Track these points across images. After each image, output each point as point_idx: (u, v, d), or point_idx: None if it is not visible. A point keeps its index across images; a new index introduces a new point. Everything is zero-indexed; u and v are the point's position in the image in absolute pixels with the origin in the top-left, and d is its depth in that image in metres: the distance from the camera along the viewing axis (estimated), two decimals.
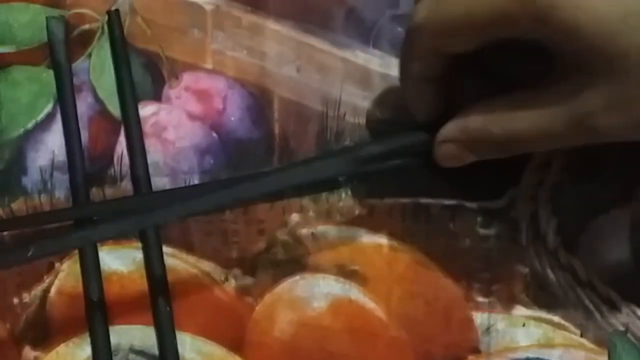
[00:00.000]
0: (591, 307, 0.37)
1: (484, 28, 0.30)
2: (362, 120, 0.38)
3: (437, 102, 0.34)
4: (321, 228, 0.38)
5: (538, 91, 0.31)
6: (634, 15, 0.28)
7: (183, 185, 0.38)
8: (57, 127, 0.38)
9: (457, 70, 0.33)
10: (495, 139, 0.32)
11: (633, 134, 0.31)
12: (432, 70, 0.33)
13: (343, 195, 0.38)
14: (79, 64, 0.39)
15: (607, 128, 0.30)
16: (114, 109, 0.38)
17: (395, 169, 0.37)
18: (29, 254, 0.34)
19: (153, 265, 0.37)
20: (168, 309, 0.36)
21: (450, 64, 0.32)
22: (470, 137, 0.33)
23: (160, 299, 0.36)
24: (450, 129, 0.34)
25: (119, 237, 0.37)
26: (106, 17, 0.39)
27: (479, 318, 0.37)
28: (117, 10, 0.39)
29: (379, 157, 0.36)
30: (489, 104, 0.33)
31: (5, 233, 0.37)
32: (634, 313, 0.36)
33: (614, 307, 0.37)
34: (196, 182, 0.38)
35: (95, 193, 0.38)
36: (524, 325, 0.37)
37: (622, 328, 0.37)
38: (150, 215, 0.36)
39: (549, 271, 0.37)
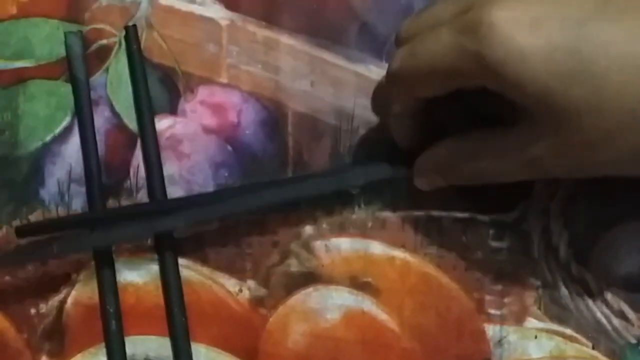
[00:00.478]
0: (603, 319, 0.37)
1: (445, 80, 0.33)
2: (374, 135, 0.39)
3: (416, 133, 0.37)
4: (334, 240, 0.38)
5: (498, 133, 0.34)
6: (570, 74, 0.30)
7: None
8: (75, 140, 0.39)
9: (437, 105, 0.35)
10: (461, 173, 0.36)
11: (580, 174, 0.34)
12: (409, 109, 0.36)
13: (356, 207, 0.39)
14: (97, 78, 0.40)
15: (556, 170, 0.34)
16: (131, 122, 0.39)
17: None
18: (54, 250, 0.36)
19: (169, 276, 0.38)
20: (184, 319, 0.37)
21: (425, 103, 0.35)
22: (439, 169, 0.36)
23: (175, 310, 0.37)
24: (422, 161, 0.37)
25: (135, 239, 0.38)
26: (123, 32, 0.40)
27: (491, 330, 0.38)
28: (134, 26, 0.40)
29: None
30: (457, 140, 0.36)
31: (22, 241, 0.38)
32: None
33: (626, 320, 0.37)
34: None
35: (111, 205, 0.39)
36: (536, 337, 0.37)
37: (634, 341, 0.37)
38: (166, 218, 0.37)
39: (560, 284, 0.38)
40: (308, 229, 0.39)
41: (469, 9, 0.32)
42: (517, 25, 0.31)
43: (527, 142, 0.33)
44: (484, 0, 0.31)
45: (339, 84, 0.40)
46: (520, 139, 0.33)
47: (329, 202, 0.38)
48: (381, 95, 0.39)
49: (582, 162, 0.32)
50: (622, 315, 0.37)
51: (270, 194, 0.37)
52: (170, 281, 0.38)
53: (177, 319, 0.37)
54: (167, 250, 0.38)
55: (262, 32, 0.40)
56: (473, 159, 0.35)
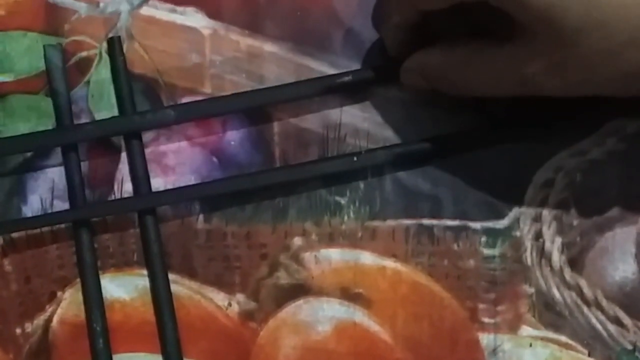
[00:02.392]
0: (598, 326, 0.38)
1: None
2: (363, 142, 0.40)
3: (411, 46, 0.39)
4: (324, 251, 0.39)
5: (492, 47, 0.35)
6: None
7: (185, 210, 0.39)
8: (57, 156, 0.40)
9: (435, 19, 0.37)
10: (449, 80, 0.37)
11: (571, 92, 0.35)
12: (408, 21, 0.38)
13: (345, 218, 0.39)
14: (77, 91, 0.40)
15: (550, 89, 0.34)
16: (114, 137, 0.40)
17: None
18: None
19: (159, 291, 0.39)
20: (176, 335, 0.38)
21: (424, 15, 0.37)
22: (428, 72, 0.38)
23: (167, 325, 0.38)
24: (413, 60, 0.39)
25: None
26: (104, 44, 0.40)
27: (485, 339, 0.38)
28: (118, 37, 0.40)
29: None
30: (451, 46, 0.37)
31: (5, 261, 0.38)
32: None
33: (621, 326, 0.38)
34: (197, 207, 0.39)
35: (96, 221, 0.39)
36: (530, 345, 0.38)
37: (629, 346, 0.38)
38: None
39: (554, 290, 0.38)
40: (297, 241, 0.39)
41: None
42: None
43: (523, 57, 0.34)
44: None
45: (324, 92, 0.40)
46: (517, 54, 0.34)
47: (318, 212, 0.39)
48: (383, 5, 0.40)
49: (579, 81, 0.33)
50: (617, 321, 0.38)
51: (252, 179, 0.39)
52: (161, 296, 0.39)
53: (170, 335, 0.38)
54: (157, 265, 0.39)
55: (245, 41, 0.41)
56: (464, 67, 0.36)
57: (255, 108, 0.40)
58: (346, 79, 0.40)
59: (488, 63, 0.35)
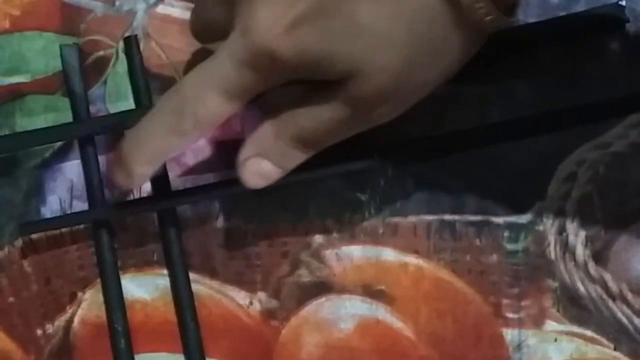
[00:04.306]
0: (624, 319, 0.39)
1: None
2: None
3: None
4: (345, 248, 0.40)
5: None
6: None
7: (204, 209, 0.40)
8: (75, 156, 0.41)
9: None
10: (303, 132, 0.36)
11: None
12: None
13: (366, 214, 0.40)
14: (95, 91, 0.41)
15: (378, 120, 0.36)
16: None
17: None
18: None
19: (180, 291, 0.40)
20: (198, 334, 0.39)
21: None
22: (274, 143, 0.37)
23: (189, 325, 0.39)
24: (250, 144, 0.37)
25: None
26: (121, 43, 0.41)
27: (510, 334, 0.39)
28: (135, 36, 0.41)
29: None
30: (276, 110, 0.37)
31: (25, 262, 0.39)
32: None
33: None
34: (217, 206, 0.40)
35: (115, 221, 0.40)
36: (555, 340, 0.39)
37: None
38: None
39: (579, 285, 0.39)
40: (318, 238, 0.40)
41: None
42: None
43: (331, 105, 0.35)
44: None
45: None
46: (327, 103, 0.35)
47: (339, 209, 0.40)
48: None
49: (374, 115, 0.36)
50: None
51: None
52: (182, 296, 0.40)
53: (192, 335, 0.39)
54: (177, 264, 0.40)
55: None
56: (306, 117, 0.36)
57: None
58: None
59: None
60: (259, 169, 0.37)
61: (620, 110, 0.40)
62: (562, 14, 0.40)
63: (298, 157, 0.37)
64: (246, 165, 0.37)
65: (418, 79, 0.35)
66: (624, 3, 0.40)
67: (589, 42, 0.40)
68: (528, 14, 0.41)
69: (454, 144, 0.40)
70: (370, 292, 0.40)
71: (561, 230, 0.40)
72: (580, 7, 0.41)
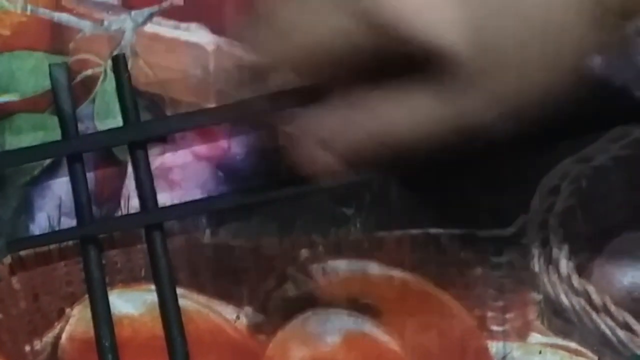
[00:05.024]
0: (607, 332, 0.39)
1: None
2: None
3: None
4: (331, 263, 0.41)
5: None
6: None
7: (192, 225, 0.41)
8: (64, 173, 0.42)
9: None
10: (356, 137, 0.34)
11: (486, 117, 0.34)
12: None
13: (352, 228, 0.41)
14: (83, 109, 0.42)
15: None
16: (119, 152, 0.42)
17: None
18: None
19: (168, 306, 0.40)
20: (186, 349, 0.39)
21: None
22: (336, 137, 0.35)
23: (177, 340, 0.40)
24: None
25: (126, 230, 0.41)
26: (109, 62, 0.42)
27: (494, 347, 0.40)
28: (123, 55, 0.42)
29: None
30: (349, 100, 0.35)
31: (14, 279, 0.40)
32: None
33: (631, 331, 0.40)
34: (204, 221, 0.41)
35: (103, 237, 0.41)
36: (540, 352, 0.40)
37: (639, 352, 0.39)
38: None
39: (563, 297, 0.40)
40: (304, 253, 0.41)
41: None
42: None
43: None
44: None
45: None
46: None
47: (324, 224, 0.41)
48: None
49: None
50: (627, 327, 0.40)
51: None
52: (169, 311, 0.40)
53: (179, 349, 0.40)
54: (164, 279, 0.40)
55: (249, 55, 0.42)
56: (381, 116, 0.34)
57: (258, 115, 0.41)
58: None
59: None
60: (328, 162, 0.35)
61: (601, 125, 0.41)
62: None
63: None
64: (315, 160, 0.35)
65: (513, 60, 0.32)
66: None
67: None
68: None
69: (437, 159, 0.41)
70: (356, 305, 0.41)
71: (545, 243, 0.41)
72: None
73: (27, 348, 0.41)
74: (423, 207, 0.41)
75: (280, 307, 0.41)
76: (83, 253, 0.41)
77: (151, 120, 0.42)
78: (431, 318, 0.40)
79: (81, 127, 0.42)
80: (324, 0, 0.33)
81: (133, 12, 0.43)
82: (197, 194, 0.42)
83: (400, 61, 0.33)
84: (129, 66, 0.43)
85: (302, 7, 0.34)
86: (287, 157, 0.36)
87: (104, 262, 0.41)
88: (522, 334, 0.40)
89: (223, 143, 0.42)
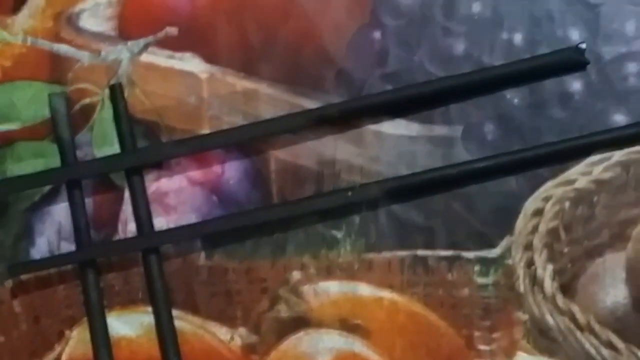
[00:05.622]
0: (592, 350, 0.41)
1: None
2: (357, 177, 0.43)
3: None
4: (322, 284, 0.42)
5: None
6: None
7: (187, 248, 0.42)
8: (63, 199, 0.43)
9: None
10: None
11: None
12: None
13: (342, 251, 0.42)
14: (82, 137, 0.44)
15: None
16: (117, 177, 0.43)
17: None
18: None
19: (164, 328, 0.42)
20: None
21: None
22: None
23: None
24: None
25: (122, 253, 0.43)
26: (106, 90, 0.44)
27: None
28: (120, 84, 0.44)
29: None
30: None
31: (15, 302, 0.42)
32: (635, 355, 0.41)
33: (615, 350, 0.41)
34: (199, 244, 0.42)
35: (101, 260, 0.42)
36: None
37: None
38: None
39: (548, 317, 0.41)
40: (296, 274, 0.42)
41: None
42: None
43: None
44: None
45: (319, 130, 0.43)
46: None
47: (315, 246, 0.42)
48: None
49: None
50: (610, 346, 0.41)
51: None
52: (166, 333, 0.42)
53: None
54: (161, 301, 0.41)
55: (241, 83, 0.44)
56: None
57: (251, 141, 0.43)
58: (337, 109, 0.43)
59: None
60: None
61: (583, 150, 0.42)
62: (525, 56, 0.43)
63: None
64: None
65: None
66: (584, 46, 0.42)
67: (551, 83, 0.43)
68: (493, 57, 0.43)
69: (425, 182, 0.42)
70: (347, 326, 0.42)
71: (530, 264, 0.42)
72: (543, 50, 0.43)
73: None
74: (411, 229, 0.42)
75: (274, 328, 0.42)
76: (82, 276, 0.42)
77: (147, 146, 0.44)
78: (420, 338, 0.42)
79: (80, 153, 0.44)
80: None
81: (129, 43, 0.45)
82: (192, 218, 0.43)
83: None
84: (126, 95, 0.44)
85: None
86: None
87: (102, 285, 0.42)
88: (508, 353, 0.41)
89: (217, 168, 0.44)
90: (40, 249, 0.43)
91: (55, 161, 0.44)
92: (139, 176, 0.43)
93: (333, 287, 0.42)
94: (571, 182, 0.42)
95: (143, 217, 0.43)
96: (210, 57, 0.45)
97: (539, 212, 0.42)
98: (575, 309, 0.41)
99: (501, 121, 0.43)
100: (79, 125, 0.44)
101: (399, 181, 0.42)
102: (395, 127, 0.43)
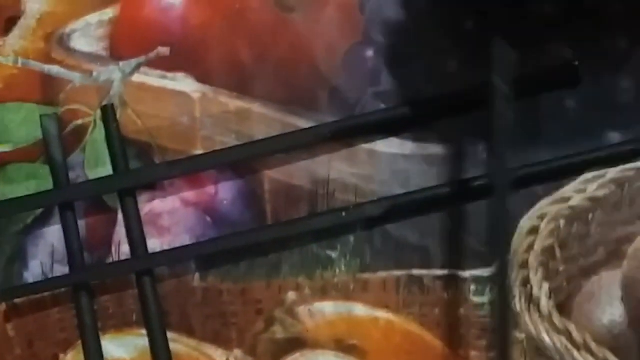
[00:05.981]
0: None
1: None
2: (352, 197, 0.42)
3: None
4: (318, 305, 0.42)
5: None
6: None
7: (181, 270, 0.42)
8: (56, 221, 0.43)
9: None
10: None
11: None
12: None
13: (337, 271, 0.42)
14: (74, 158, 0.44)
15: None
16: (109, 199, 0.43)
17: None
18: None
19: (159, 350, 0.42)
20: None
21: None
22: None
23: None
24: None
25: (116, 276, 0.43)
26: (99, 111, 0.44)
27: None
28: (112, 105, 0.44)
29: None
30: None
31: (9, 326, 0.41)
32: None
33: None
34: (193, 266, 0.42)
35: (95, 283, 0.42)
36: None
37: None
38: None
39: (544, 336, 0.41)
40: (291, 295, 0.42)
41: None
42: None
43: None
44: None
45: (312, 149, 0.43)
46: None
47: (310, 267, 0.42)
48: None
49: None
50: None
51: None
52: (160, 354, 0.42)
53: None
54: (155, 324, 0.41)
55: (234, 103, 0.44)
56: None
57: (245, 161, 0.43)
58: (330, 129, 0.43)
59: None
60: None
61: (577, 168, 0.42)
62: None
63: None
64: None
65: None
66: (577, 63, 0.42)
67: (544, 101, 0.43)
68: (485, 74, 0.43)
69: (419, 201, 0.42)
70: (343, 346, 0.42)
71: (525, 283, 0.42)
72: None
73: None
74: (407, 249, 0.42)
75: (269, 350, 0.42)
76: (75, 300, 0.42)
77: (140, 168, 0.44)
78: (416, 358, 0.42)
79: (72, 175, 0.44)
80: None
81: (121, 63, 0.45)
82: (186, 239, 0.43)
83: None
84: (118, 115, 0.44)
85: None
86: None
87: (96, 307, 0.42)
88: None
89: (210, 189, 0.44)
90: (33, 272, 0.43)
91: (47, 183, 0.44)
92: (132, 198, 0.43)
93: (328, 308, 0.42)
94: (566, 199, 0.42)
95: (136, 238, 0.43)
96: (202, 77, 0.45)
97: (534, 231, 0.42)
98: (572, 327, 0.41)
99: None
100: (72, 146, 0.44)
101: (393, 200, 0.43)
102: (389, 146, 0.44)
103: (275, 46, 0.45)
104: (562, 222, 0.42)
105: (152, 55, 0.45)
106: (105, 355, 0.42)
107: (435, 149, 0.43)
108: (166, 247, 0.43)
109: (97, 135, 0.44)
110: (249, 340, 0.42)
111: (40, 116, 0.44)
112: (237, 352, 0.42)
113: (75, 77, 0.45)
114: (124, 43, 0.45)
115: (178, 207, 0.44)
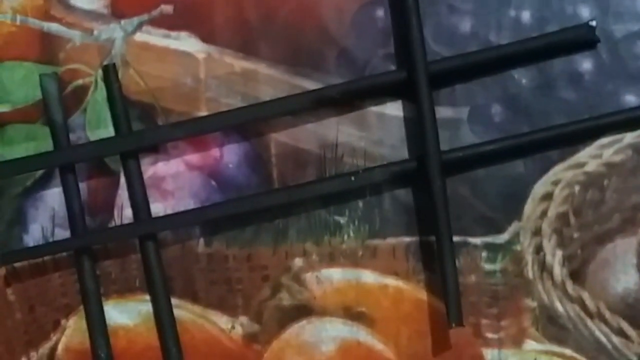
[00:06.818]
0: (602, 338, 0.40)
1: None
2: (360, 161, 0.42)
3: None
4: (325, 271, 0.42)
5: None
6: None
7: (185, 235, 0.41)
8: (56, 184, 0.42)
9: None
10: None
11: None
12: None
13: (345, 237, 0.41)
14: (75, 119, 0.43)
15: None
16: (112, 162, 0.42)
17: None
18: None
19: (163, 316, 0.42)
20: (181, 359, 0.40)
21: None
22: None
23: (172, 350, 0.41)
24: None
25: (119, 239, 0.42)
26: (99, 71, 0.43)
27: (490, 354, 0.41)
28: (113, 64, 0.43)
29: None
30: None
31: (9, 291, 0.41)
32: None
33: (626, 337, 0.40)
34: (198, 231, 0.42)
35: (97, 247, 0.41)
36: (535, 359, 0.40)
37: (634, 358, 0.40)
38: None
39: (557, 304, 0.40)
40: (298, 262, 0.41)
41: None
42: None
43: None
44: None
45: (320, 112, 0.42)
46: None
47: (318, 233, 0.41)
48: None
49: None
50: (621, 333, 0.40)
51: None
52: (164, 321, 0.41)
53: (174, 359, 0.40)
54: (159, 289, 0.41)
55: (240, 64, 0.43)
56: None
57: (250, 123, 0.43)
58: (338, 90, 0.42)
59: None
60: None
61: (593, 132, 0.41)
62: (534, 34, 0.42)
63: None
64: None
65: None
66: (594, 24, 0.41)
67: (560, 63, 0.42)
68: (501, 36, 0.42)
69: (430, 166, 0.41)
70: (351, 314, 0.41)
71: (538, 250, 0.41)
72: (551, 28, 0.42)
73: (24, 359, 0.41)
74: (417, 214, 0.42)
75: (275, 317, 0.42)
76: (77, 264, 0.42)
77: (143, 129, 0.43)
78: (426, 326, 0.41)
79: (73, 137, 0.43)
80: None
81: (123, 21, 0.44)
82: (190, 204, 0.42)
83: None
84: (120, 75, 0.43)
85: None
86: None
87: (98, 272, 0.42)
88: (516, 341, 0.41)
89: (215, 152, 0.43)
90: (33, 235, 0.42)
91: (47, 145, 0.43)
92: (135, 160, 0.42)
93: (336, 275, 0.42)
94: (581, 165, 0.41)
95: (140, 202, 0.42)
96: (207, 37, 0.44)
97: (548, 197, 0.42)
98: (585, 295, 0.41)
99: (509, 102, 0.42)
100: (72, 107, 0.43)
101: (403, 165, 0.42)
102: (398, 109, 0.43)
103: (282, 5, 0.44)
104: (576, 188, 0.41)
105: (155, 13, 0.44)
106: (107, 321, 0.41)
107: (447, 112, 0.42)
108: (170, 212, 0.42)
109: (98, 96, 0.43)
110: (254, 307, 0.42)
111: (40, 75, 0.43)
112: (243, 319, 0.42)
113: (76, 35, 0.44)
114: (125, 0, 0.44)
115: (182, 170, 0.43)
